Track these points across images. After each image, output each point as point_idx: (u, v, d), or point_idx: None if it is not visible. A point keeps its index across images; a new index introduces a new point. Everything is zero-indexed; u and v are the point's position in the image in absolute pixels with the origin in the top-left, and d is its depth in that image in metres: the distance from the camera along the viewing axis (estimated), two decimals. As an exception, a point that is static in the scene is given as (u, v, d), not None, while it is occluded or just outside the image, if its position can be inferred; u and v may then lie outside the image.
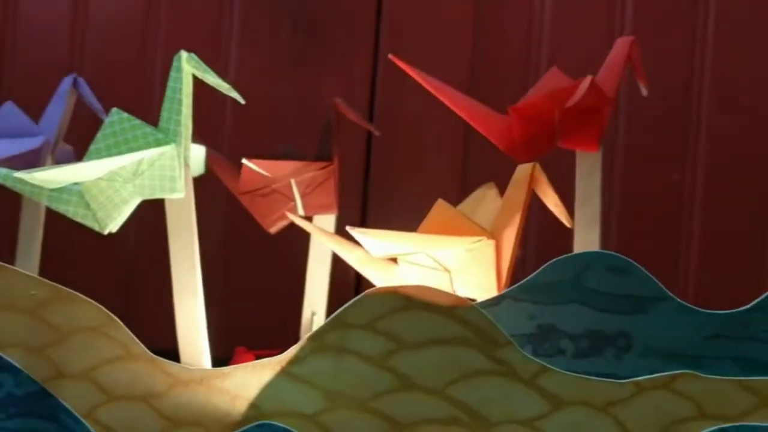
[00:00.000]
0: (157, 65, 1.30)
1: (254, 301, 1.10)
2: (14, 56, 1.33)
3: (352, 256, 0.87)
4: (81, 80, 0.97)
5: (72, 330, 0.81)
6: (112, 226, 0.85)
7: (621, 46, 0.89)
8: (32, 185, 0.84)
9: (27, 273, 0.82)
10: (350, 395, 0.79)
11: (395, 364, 0.79)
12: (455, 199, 0.93)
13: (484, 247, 0.83)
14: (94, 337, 0.81)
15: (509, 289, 0.79)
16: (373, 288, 0.79)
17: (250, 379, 0.80)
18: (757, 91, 1.26)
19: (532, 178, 0.83)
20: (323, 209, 0.95)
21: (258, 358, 0.91)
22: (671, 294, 0.78)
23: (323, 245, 0.97)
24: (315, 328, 0.94)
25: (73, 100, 0.97)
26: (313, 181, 0.95)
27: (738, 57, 1.26)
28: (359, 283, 1.22)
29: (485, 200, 0.92)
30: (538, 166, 0.83)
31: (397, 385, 0.79)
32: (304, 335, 0.94)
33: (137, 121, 0.84)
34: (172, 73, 0.84)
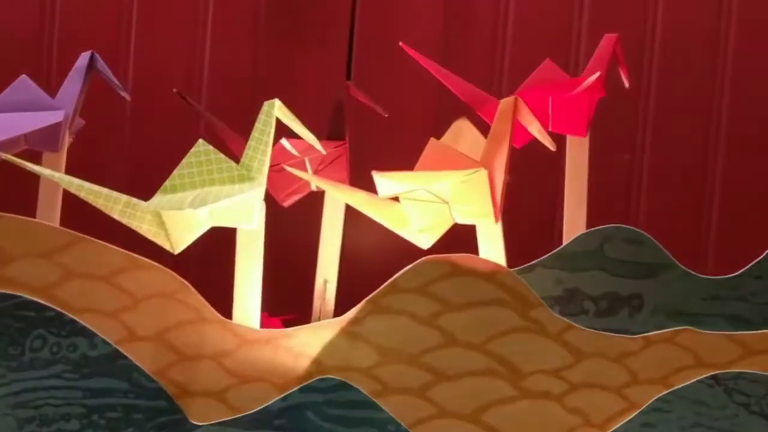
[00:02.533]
0: (131, 40, 1.27)
1: (270, 272, 1.07)
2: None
3: (354, 199, 0.88)
4: (97, 56, 0.95)
5: (146, 295, 0.82)
6: (182, 246, 0.84)
7: (607, 43, 0.95)
8: (106, 199, 0.83)
9: (103, 243, 0.82)
10: (401, 351, 0.83)
11: (441, 323, 0.83)
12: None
13: (479, 177, 0.86)
14: (167, 303, 0.82)
15: (541, 258, 0.84)
16: (426, 257, 0.82)
17: (312, 339, 0.83)
18: None
19: (515, 110, 0.87)
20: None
21: (284, 322, 0.93)
22: (677, 262, 0.85)
23: (335, 217, 0.99)
24: (327, 294, 0.97)
25: (89, 76, 0.95)
26: (326, 158, 0.96)
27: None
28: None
29: (463, 132, 0.95)
30: (520, 99, 0.87)
31: (442, 342, 0.83)
32: (317, 301, 0.97)
33: (221, 155, 0.85)
34: (262, 117, 0.85)
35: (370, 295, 0.83)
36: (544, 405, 0.84)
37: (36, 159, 0.92)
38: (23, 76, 0.93)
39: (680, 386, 0.84)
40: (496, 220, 0.87)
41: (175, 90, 0.99)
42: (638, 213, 1.25)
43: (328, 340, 0.83)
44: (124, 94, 0.96)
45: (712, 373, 0.84)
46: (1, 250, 0.80)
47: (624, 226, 0.85)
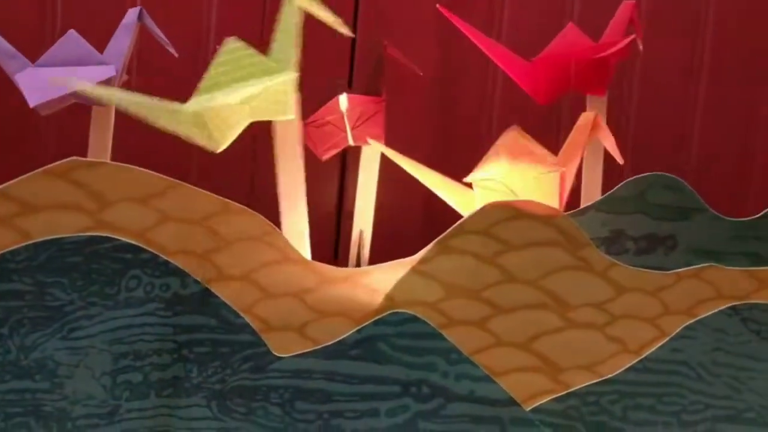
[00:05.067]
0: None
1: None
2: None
3: (430, 180, 0.90)
4: (145, 12, 0.92)
5: (236, 238, 0.82)
6: (225, 144, 0.84)
7: (624, 9, 0.97)
8: (148, 110, 0.81)
9: (198, 189, 0.81)
10: (465, 287, 0.85)
11: (502, 261, 0.85)
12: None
13: (553, 176, 0.89)
14: (256, 245, 0.82)
15: (594, 202, 0.87)
16: (491, 202, 0.84)
17: (386, 276, 0.84)
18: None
19: (594, 125, 0.90)
20: (372, 139, 0.97)
21: None
22: (707, 206, 0.88)
23: (370, 172, 0.99)
24: (364, 243, 0.98)
25: (136, 32, 0.93)
26: (363, 114, 0.96)
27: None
28: (340, 210, 1.20)
29: (517, 137, 0.96)
30: (599, 115, 0.90)
31: (502, 279, 0.85)
32: (354, 248, 0.98)
33: (251, 50, 0.84)
34: (285, 8, 0.84)
35: (439, 237, 0.85)
36: (589, 334, 0.87)
37: (85, 113, 0.90)
38: (72, 30, 0.90)
39: (703, 316, 0.88)
40: None
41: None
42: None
43: (399, 277, 0.84)
44: (171, 50, 0.93)
45: (731, 304, 0.89)
46: (100, 196, 0.79)
47: (665, 174, 0.88)
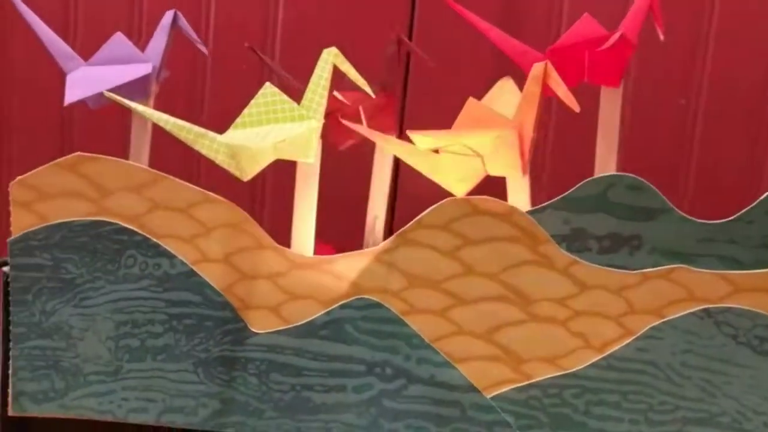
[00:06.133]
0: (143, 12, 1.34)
1: (325, 207, 1.12)
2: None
3: (402, 151, 0.94)
4: (180, 14, 1.02)
5: (216, 225, 0.91)
6: (251, 175, 0.92)
7: None
8: (187, 132, 0.91)
9: (181, 181, 0.90)
10: (426, 278, 0.89)
11: (462, 255, 0.89)
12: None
13: (510, 134, 0.90)
14: (233, 231, 0.91)
15: (551, 201, 0.88)
16: (449, 198, 0.88)
17: (352, 265, 0.90)
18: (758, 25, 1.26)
19: (545, 74, 0.90)
20: (385, 131, 1.02)
21: (336, 249, 1.00)
22: (674, 206, 0.87)
23: (384, 160, 1.04)
24: (376, 229, 1.03)
25: (173, 32, 1.03)
26: (377, 106, 1.01)
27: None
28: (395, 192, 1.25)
29: (504, 91, 0.98)
30: (549, 63, 0.90)
31: (461, 271, 0.89)
32: (368, 235, 1.04)
33: (285, 97, 0.92)
34: (321, 63, 0.92)
35: (400, 230, 0.89)
36: (550, 328, 0.89)
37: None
38: (118, 33, 1.01)
39: (673, 317, 0.87)
40: (524, 173, 0.91)
41: (246, 44, 1.06)
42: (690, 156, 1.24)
43: (364, 266, 0.90)
44: (202, 48, 1.03)
45: (704, 307, 0.87)
46: (101, 186, 0.91)
47: (626, 174, 0.88)
